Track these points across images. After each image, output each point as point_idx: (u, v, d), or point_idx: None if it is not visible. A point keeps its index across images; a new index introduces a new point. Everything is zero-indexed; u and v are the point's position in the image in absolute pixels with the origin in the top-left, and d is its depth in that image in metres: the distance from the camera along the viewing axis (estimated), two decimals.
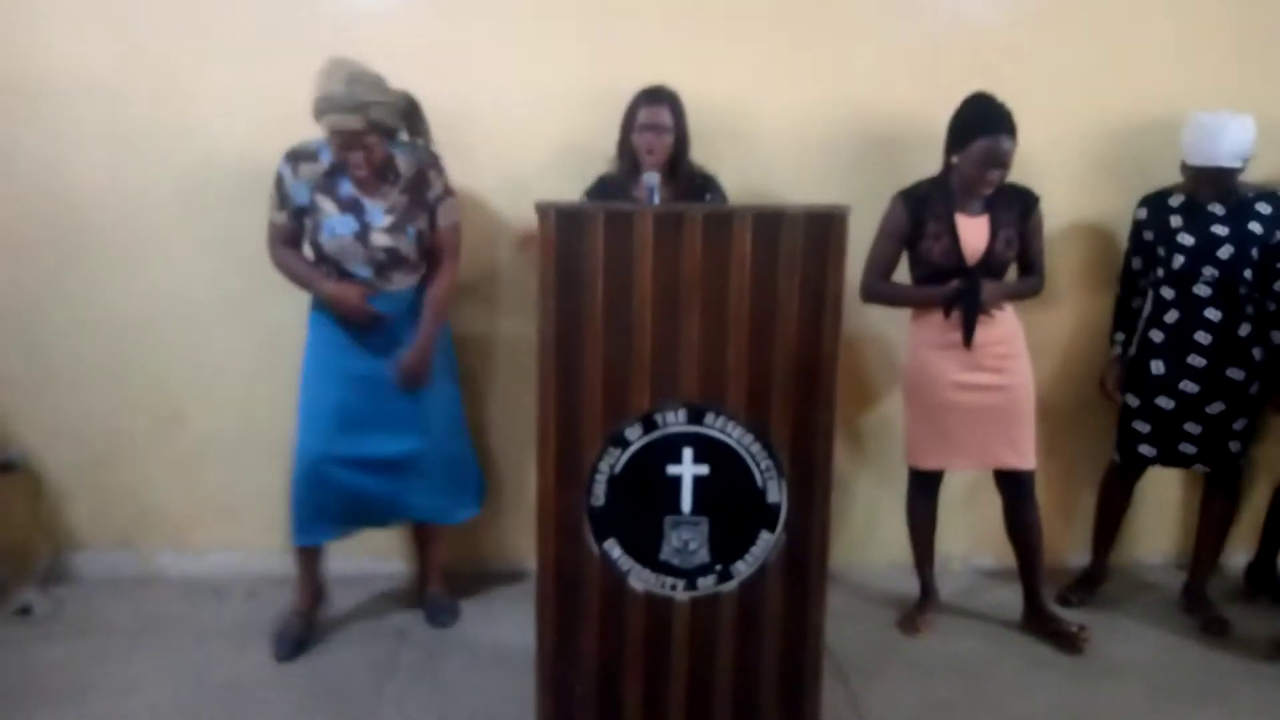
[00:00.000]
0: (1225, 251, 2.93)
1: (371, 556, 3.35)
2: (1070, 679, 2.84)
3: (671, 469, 2.21)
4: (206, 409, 3.31)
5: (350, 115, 2.52)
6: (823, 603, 2.26)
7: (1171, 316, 3.01)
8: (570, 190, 2.94)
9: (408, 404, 2.83)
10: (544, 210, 2.11)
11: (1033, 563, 3.05)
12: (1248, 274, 2.95)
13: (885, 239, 2.91)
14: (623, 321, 2.14)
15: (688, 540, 2.23)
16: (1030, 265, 2.96)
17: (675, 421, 2.19)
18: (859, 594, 3.34)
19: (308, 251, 2.78)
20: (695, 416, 2.18)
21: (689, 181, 2.82)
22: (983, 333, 2.83)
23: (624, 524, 2.23)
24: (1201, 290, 2.96)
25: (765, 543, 2.24)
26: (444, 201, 2.79)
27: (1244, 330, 2.97)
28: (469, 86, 3.13)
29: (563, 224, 2.11)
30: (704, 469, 2.20)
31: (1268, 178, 3.28)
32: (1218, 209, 2.96)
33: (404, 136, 2.74)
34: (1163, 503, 3.56)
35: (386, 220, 2.70)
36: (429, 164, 2.76)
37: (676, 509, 2.22)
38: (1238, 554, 3.44)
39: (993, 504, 3.20)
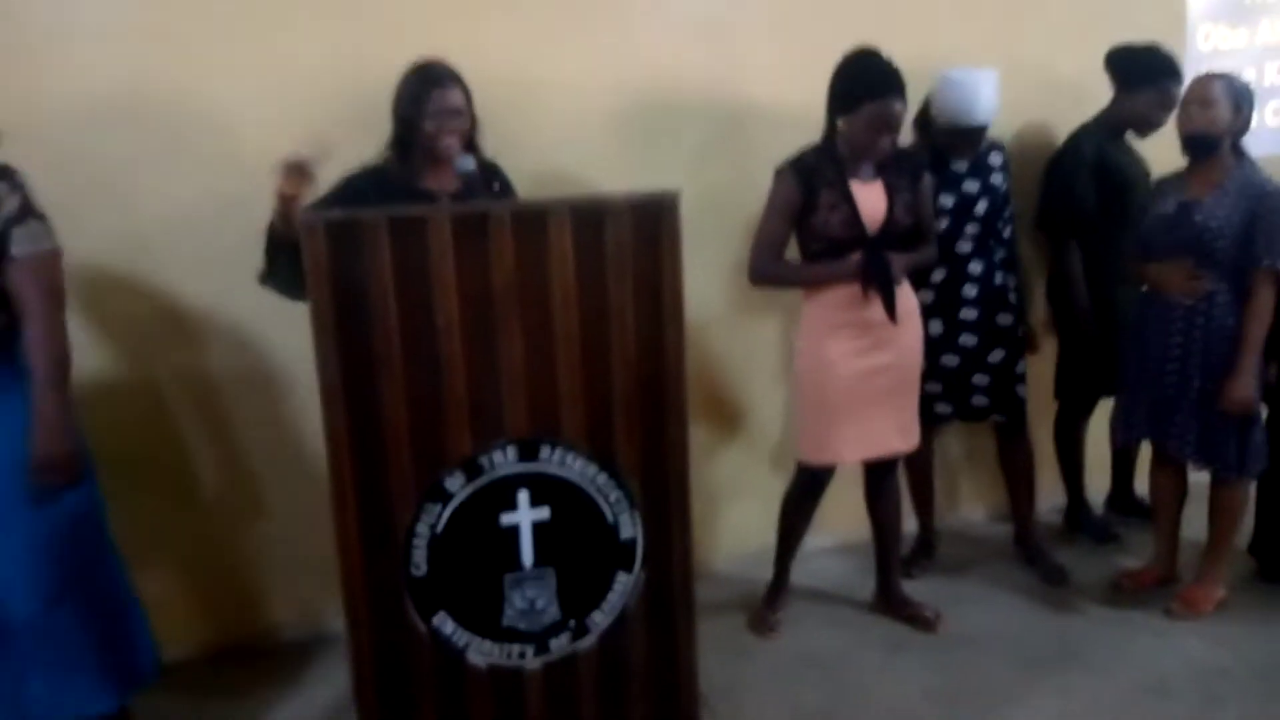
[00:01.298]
0: (980, 207, 2.95)
1: None
2: (932, 658, 2.74)
3: (506, 518, 1.87)
4: None
5: None
6: (693, 642, 2.00)
7: (938, 276, 2.97)
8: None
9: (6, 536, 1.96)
10: (310, 224, 1.69)
11: (891, 541, 2.95)
12: (999, 225, 2.99)
13: (775, 215, 2.61)
14: (427, 351, 1.76)
15: (533, 598, 1.90)
16: (924, 233, 2.74)
17: (504, 462, 1.84)
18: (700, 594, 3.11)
19: None
20: (528, 453, 1.85)
21: (482, 172, 2.42)
22: (879, 309, 2.60)
23: (455, 592, 1.87)
24: (963, 247, 2.97)
25: (623, 585, 1.94)
26: (22, 225, 1.97)
27: (999, 278, 3.01)
28: (186, 79, 2.58)
29: (337, 239, 1.70)
30: (544, 513, 1.88)
31: (1039, 127, 3.33)
32: (961, 166, 2.96)
33: None
34: (976, 456, 3.57)
35: None
36: None
37: (516, 564, 1.89)
38: (1048, 497, 3.49)
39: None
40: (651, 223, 1.81)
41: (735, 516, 3.33)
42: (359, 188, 2.33)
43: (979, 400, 3.05)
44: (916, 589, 3.05)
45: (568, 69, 2.87)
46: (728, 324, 3.16)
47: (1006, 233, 3.03)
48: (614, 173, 2.84)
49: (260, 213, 2.18)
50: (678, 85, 2.99)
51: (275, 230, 2.18)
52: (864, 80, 2.51)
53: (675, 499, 1.92)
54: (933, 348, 2.98)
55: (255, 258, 2.28)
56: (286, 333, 2.54)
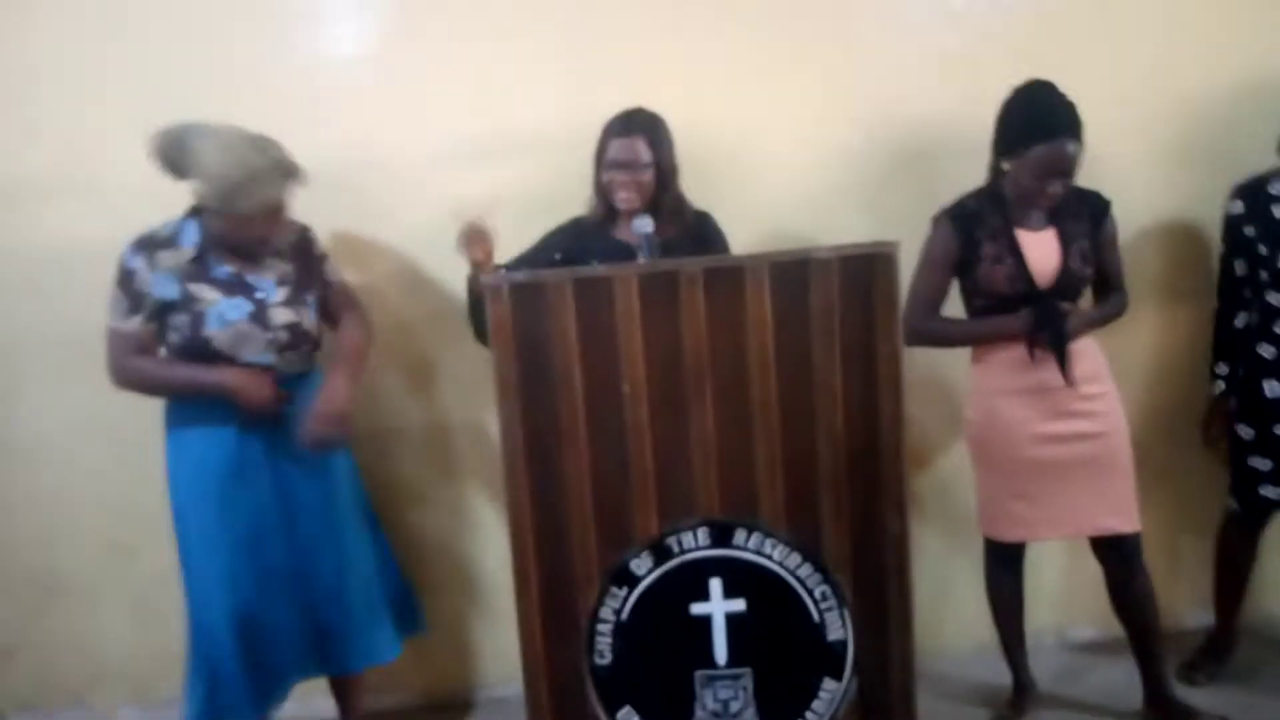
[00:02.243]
0: None
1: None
2: None
3: (697, 608, 1.69)
4: (158, 539, 2.79)
5: (280, 183, 2.15)
6: None
7: None
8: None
9: (323, 525, 2.35)
10: (494, 287, 1.60)
11: (1150, 641, 2.50)
12: None
13: (930, 267, 2.40)
14: (613, 420, 1.64)
15: (727, 700, 1.70)
16: (1110, 283, 2.45)
17: (695, 545, 1.67)
18: (939, 690, 2.77)
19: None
20: (721, 537, 1.67)
21: (680, 222, 2.32)
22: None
23: (641, 686, 1.72)
24: None
25: (831, 694, 1.70)
26: (327, 261, 2.45)
27: None
28: (416, 132, 2.64)
29: (521, 301, 1.61)
30: (739, 604, 1.69)
31: None
32: None
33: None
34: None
35: (282, 293, 2.28)
36: (303, 227, 2.39)
37: (709, 660, 1.70)
38: None
39: (1084, 562, 2.66)
40: (864, 279, 1.59)
41: (975, 600, 2.97)
42: (556, 241, 2.35)
43: None
44: (1202, 698, 2.56)
45: (791, 110, 2.69)
46: (943, 381, 2.83)
47: None
48: (841, 220, 2.63)
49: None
50: (913, 124, 2.73)
51: (473, 290, 2.25)
52: (1032, 120, 2.24)
53: (894, 599, 1.66)
54: (1268, 413, 2.53)
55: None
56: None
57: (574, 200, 2.46)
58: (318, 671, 2.45)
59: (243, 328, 2.22)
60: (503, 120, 2.64)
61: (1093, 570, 2.62)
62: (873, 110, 2.72)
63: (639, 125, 2.26)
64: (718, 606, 1.68)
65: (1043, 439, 2.35)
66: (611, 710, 1.71)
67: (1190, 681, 2.67)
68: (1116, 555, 2.45)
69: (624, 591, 1.68)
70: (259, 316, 2.23)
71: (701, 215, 2.40)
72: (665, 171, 2.27)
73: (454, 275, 2.50)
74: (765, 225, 2.64)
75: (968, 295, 2.42)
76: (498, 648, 2.87)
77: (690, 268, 1.60)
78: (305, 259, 2.36)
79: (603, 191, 2.31)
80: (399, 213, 2.67)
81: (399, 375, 2.78)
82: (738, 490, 1.65)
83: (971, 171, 2.49)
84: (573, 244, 2.32)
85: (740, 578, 1.68)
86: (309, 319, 2.32)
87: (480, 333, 2.36)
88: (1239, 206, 2.56)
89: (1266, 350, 2.52)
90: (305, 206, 2.58)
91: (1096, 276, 2.43)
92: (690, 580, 1.68)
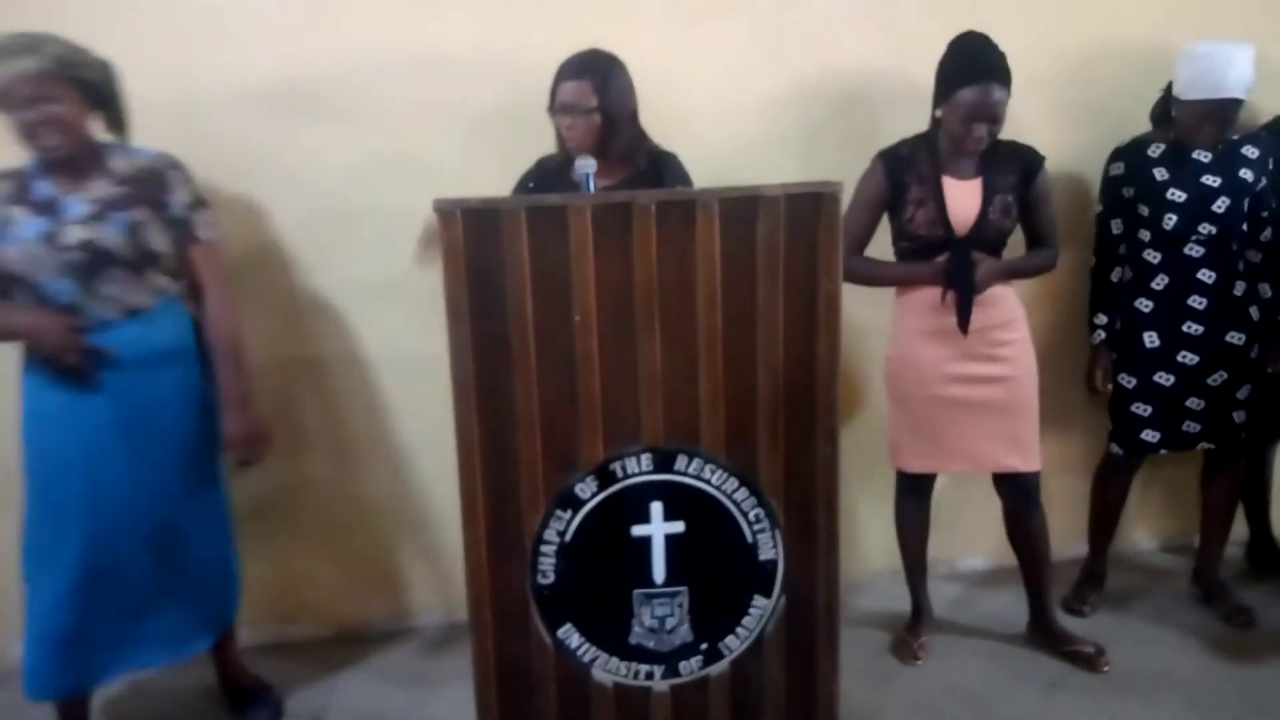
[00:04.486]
0: (1220, 204, 2.60)
1: None
2: (1092, 700, 2.48)
3: (637, 530, 1.76)
4: None
5: (24, 57, 1.90)
6: (835, 676, 1.84)
7: (1161, 282, 2.67)
8: (493, 182, 2.43)
9: (174, 483, 2.16)
10: (447, 211, 1.61)
11: (1040, 574, 2.70)
12: (1243, 227, 2.64)
13: (860, 206, 2.48)
14: (562, 348, 1.67)
15: (663, 616, 1.78)
16: (1040, 236, 2.57)
17: (638, 470, 1.73)
18: (844, 614, 2.92)
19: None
20: (663, 462, 1.73)
21: (630, 164, 2.31)
22: (979, 316, 2.44)
23: (582, 604, 1.78)
24: (1194, 250, 2.64)
25: (760, 610, 1.80)
26: (199, 213, 2.18)
27: (1239, 289, 2.66)
28: (335, 64, 2.57)
29: (474, 227, 1.62)
30: (678, 526, 1.76)
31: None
32: (1204, 156, 2.62)
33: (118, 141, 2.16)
34: (1149, 480, 3.24)
35: (85, 210, 2.03)
36: (167, 165, 2.15)
37: (647, 579, 1.77)
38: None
39: (980, 497, 2.84)
40: (809, 217, 1.65)
41: (887, 525, 3.13)
42: (536, 175, 2.37)
43: (1190, 427, 2.71)
44: (1082, 625, 2.78)
45: (719, 52, 2.73)
46: (863, 323, 2.95)
47: (1265, 235, 2.68)
48: (767, 163, 2.69)
49: (407, 194, 2.19)
50: (838, 69, 2.80)
51: None
52: (959, 65, 2.34)
53: (823, 522, 1.76)
54: (1148, 363, 2.71)
55: (401, 240, 2.33)
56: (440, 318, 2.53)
57: (509, 126, 2.46)
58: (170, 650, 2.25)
59: (33, 248, 2.00)
60: (438, 50, 2.59)
61: (982, 505, 2.79)
62: (802, 58, 2.77)
63: (588, 69, 2.23)
64: (658, 528, 1.75)
65: (951, 379, 2.48)
66: (553, 628, 1.77)
67: (1077, 614, 2.88)
68: (1017, 491, 2.61)
69: (569, 514, 1.73)
70: (51, 236, 2.01)
71: (659, 158, 2.38)
72: (612, 116, 2.24)
73: (384, 202, 2.49)
74: (697, 171, 2.67)
75: (894, 237, 2.52)
76: (412, 579, 2.91)
77: (643, 200, 1.63)
78: (147, 192, 2.10)
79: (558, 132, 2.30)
80: (322, 139, 2.59)
81: (318, 306, 2.72)
82: (680, 419, 1.71)
83: (897, 119, 2.58)
84: (536, 183, 2.34)
85: (680, 501, 1.74)
86: (115, 238, 2.03)
87: None
88: (1119, 168, 2.71)
89: (1144, 304, 2.69)
90: (219, 136, 2.51)
91: (1026, 230, 2.54)
92: (632, 503, 1.74)
